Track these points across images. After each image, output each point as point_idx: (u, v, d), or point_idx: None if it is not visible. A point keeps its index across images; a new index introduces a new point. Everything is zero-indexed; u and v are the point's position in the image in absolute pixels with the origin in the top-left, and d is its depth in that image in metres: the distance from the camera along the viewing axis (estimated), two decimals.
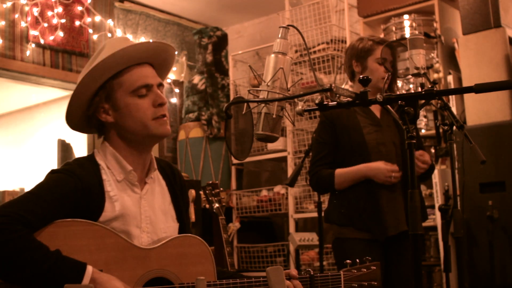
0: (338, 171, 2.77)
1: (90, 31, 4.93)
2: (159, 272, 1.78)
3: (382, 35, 4.49)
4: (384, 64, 2.78)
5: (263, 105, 1.55)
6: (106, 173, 1.82)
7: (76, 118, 1.90)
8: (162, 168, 2.01)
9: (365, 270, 1.96)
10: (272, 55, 1.58)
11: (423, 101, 1.59)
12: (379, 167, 2.69)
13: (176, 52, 1.98)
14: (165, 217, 1.92)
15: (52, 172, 1.79)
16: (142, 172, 1.90)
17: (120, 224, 1.78)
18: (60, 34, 4.68)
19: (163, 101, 1.84)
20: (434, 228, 3.96)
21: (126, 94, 1.82)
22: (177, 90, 5.64)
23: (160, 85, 1.88)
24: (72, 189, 1.72)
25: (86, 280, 1.61)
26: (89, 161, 1.84)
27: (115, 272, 1.69)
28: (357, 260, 1.97)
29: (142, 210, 1.85)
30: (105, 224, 1.75)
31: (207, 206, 3.03)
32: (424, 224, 3.15)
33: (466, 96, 3.90)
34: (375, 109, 2.85)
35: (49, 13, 4.66)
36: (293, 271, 1.84)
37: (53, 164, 5.35)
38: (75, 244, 1.67)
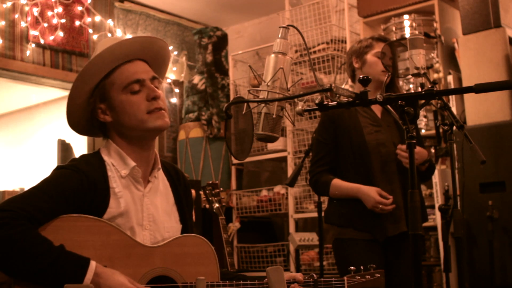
0: (334, 182, 2.78)
1: (90, 31, 4.93)
2: (163, 270, 1.78)
3: None
4: (382, 59, 2.78)
5: (263, 105, 1.55)
6: (111, 170, 1.83)
7: (77, 121, 1.91)
8: (167, 169, 2.01)
9: (369, 277, 1.95)
10: (272, 55, 1.58)
11: (423, 101, 1.59)
12: (369, 194, 2.68)
13: (170, 48, 1.97)
14: (168, 217, 1.92)
15: (58, 168, 1.80)
16: (146, 170, 1.90)
17: (124, 221, 1.79)
18: (60, 34, 4.68)
19: (156, 94, 1.83)
20: (434, 228, 3.96)
21: (119, 92, 1.82)
22: (177, 90, 5.64)
23: (154, 78, 1.87)
24: (77, 185, 1.73)
25: (89, 275, 1.61)
26: (95, 157, 1.85)
27: (119, 268, 1.69)
28: (361, 267, 1.96)
29: (145, 208, 1.85)
30: (109, 220, 1.75)
31: (207, 206, 3.03)
32: (424, 224, 3.14)
33: (466, 96, 3.89)
34: (376, 109, 2.85)
35: (49, 13, 4.66)
36: (299, 275, 1.84)
37: (53, 164, 5.34)
38: (79, 239, 1.68)
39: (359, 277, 1.94)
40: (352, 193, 2.73)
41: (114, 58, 1.83)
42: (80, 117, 1.89)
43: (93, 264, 1.63)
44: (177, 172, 2.05)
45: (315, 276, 1.87)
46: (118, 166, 1.84)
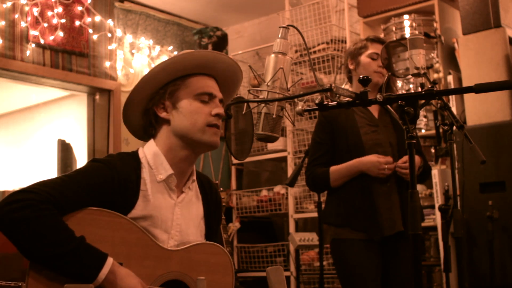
0: (333, 168, 2.78)
1: (90, 31, 4.93)
2: (178, 275, 1.78)
3: (382, 35, 4.49)
4: (376, 60, 2.80)
5: (263, 105, 1.55)
6: (146, 172, 1.83)
7: (133, 110, 1.91)
8: (202, 182, 2.02)
9: None
10: (272, 55, 1.59)
11: (423, 101, 1.59)
12: (371, 160, 2.69)
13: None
14: (195, 230, 1.92)
15: (94, 160, 1.81)
16: (181, 180, 1.90)
17: (147, 225, 1.79)
18: (60, 34, 4.68)
19: (221, 113, 1.87)
20: (434, 228, 3.95)
21: (190, 96, 1.86)
22: None
23: (221, 101, 1.92)
24: (108, 180, 1.74)
25: (105, 270, 1.62)
26: (132, 157, 1.85)
27: (135, 267, 1.69)
28: None
29: (175, 217, 1.85)
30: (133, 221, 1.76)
31: None
32: (424, 224, 3.14)
33: (466, 96, 3.90)
34: (373, 109, 2.86)
35: (49, 13, 4.66)
36: None
37: (53, 164, 5.34)
38: (100, 233, 1.68)
39: None
40: (353, 169, 2.73)
41: (200, 64, 1.88)
42: (139, 107, 1.90)
43: (110, 260, 1.64)
44: (211, 186, 2.05)
45: None
46: (155, 170, 1.84)
